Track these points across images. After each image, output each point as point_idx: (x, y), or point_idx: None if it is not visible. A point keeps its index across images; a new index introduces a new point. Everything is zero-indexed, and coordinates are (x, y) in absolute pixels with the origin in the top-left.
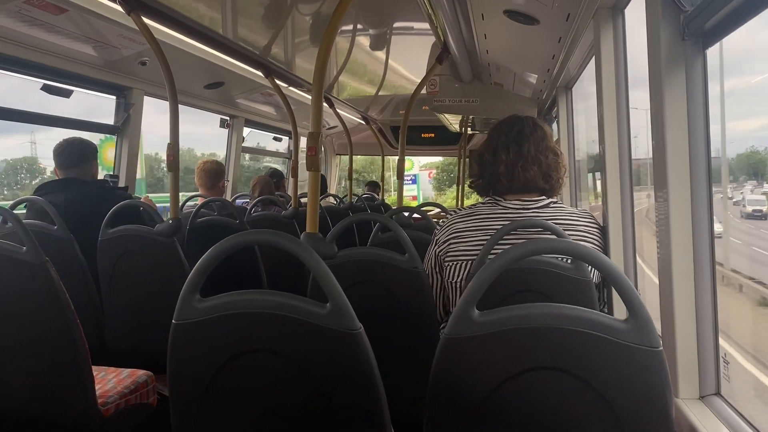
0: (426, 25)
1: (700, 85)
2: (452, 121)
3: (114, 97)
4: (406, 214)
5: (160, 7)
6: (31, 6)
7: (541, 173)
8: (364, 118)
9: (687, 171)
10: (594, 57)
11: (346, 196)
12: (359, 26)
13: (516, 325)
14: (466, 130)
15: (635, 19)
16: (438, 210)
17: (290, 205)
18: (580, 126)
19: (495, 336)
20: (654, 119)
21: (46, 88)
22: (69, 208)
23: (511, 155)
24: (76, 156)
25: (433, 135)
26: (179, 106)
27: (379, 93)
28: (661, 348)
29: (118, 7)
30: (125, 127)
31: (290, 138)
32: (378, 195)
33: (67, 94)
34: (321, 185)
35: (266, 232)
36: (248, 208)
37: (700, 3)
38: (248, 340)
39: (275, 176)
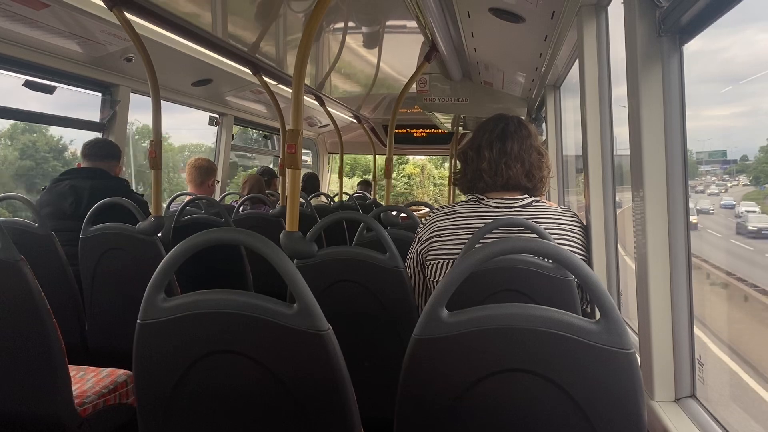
0: (415, 23)
1: (677, 81)
2: (443, 121)
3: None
4: (394, 213)
5: (143, 3)
6: (11, 0)
7: (524, 171)
8: (356, 117)
9: (663, 169)
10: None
11: (337, 194)
12: (350, 24)
13: (485, 326)
14: (457, 130)
15: (619, 16)
16: (427, 209)
17: (279, 204)
18: (570, 125)
19: (464, 337)
20: (631, 117)
21: (28, 84)
22: (93, 195)
23: (495, 152)
24: (105, 151)
25: (425, 134)
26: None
27: (371, 92)
28: (633, 350)
29: (101, 2)
30: (111, 124)
31: (279, 136)
32: (370, 194)
33: (50, 90)
34: (312, 184)
35: (233, 230)
36: (236, 206)
37: None
38: (214, 340)
39: (266, 174)
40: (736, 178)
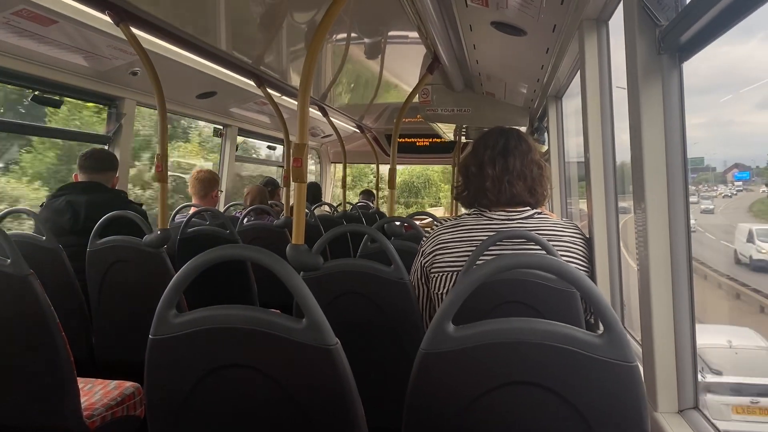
0: (417, 35)
1: (677, 98)
2: (446, 130)
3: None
4: (398, 223)
5: (149, 18)
6: (20, 17)
7: (526, 188)
8: (359, 127)
9: (664, 183)
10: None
11: (340, 204)
12: (353, 35)
13: (491, 340)
14: (459, 139)
15: (620, 28)
16: (429, 219)
17: (283, 214)
18: (572, 130)
19: (470, 351)
20: (632, 132)
21: (36, 99)
22: (90, 210)
23: (497, 170)
24: (101, 163)
25: (427, 143)
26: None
27: (374, 102)
28: (636, 363)
29: (108, 18)
30: (117, 137)
31: (284, 146)
32: (372, 203)
33: (57, 104)
34: (315, 194)
35: (243, 247)
36: (240, 217)
37: (674, 17)
38: (224, 355)
39: (270, 185)
40: (715, 187)
